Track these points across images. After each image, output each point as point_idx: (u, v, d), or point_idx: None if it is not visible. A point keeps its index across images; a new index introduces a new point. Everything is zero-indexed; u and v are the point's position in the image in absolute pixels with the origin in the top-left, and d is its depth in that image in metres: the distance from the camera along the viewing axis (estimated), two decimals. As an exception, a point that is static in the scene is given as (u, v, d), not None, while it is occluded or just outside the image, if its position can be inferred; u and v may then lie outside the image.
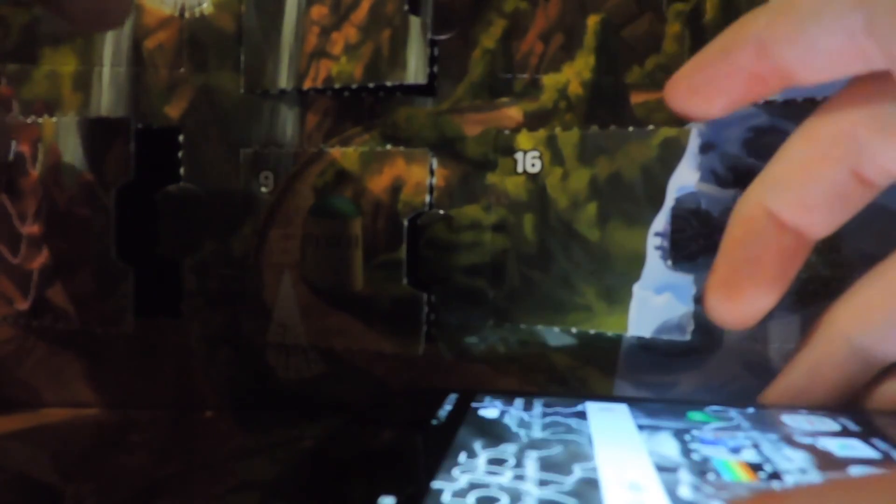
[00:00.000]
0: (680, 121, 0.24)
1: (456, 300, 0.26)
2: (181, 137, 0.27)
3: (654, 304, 0.25)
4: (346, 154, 0.26)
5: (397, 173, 0.26)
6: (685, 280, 0.24)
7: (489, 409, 0.18)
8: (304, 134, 0.27)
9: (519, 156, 0.26)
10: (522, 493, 0.13)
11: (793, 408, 0.18)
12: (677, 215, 0.25)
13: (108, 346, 0.27)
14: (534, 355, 0.26)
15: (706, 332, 0.25)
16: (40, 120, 0.27)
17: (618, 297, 0.25)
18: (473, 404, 0.18)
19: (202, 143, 0.27)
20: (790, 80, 0.17)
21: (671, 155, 0.24)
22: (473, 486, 0.13)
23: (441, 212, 0.26)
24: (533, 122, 0.25)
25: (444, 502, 0.13)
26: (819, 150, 0.18)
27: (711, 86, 0.18)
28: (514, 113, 0.26)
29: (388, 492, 0.13)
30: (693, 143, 0.24)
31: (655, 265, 0.25)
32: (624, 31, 0.25)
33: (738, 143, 0.24)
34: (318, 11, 0.26)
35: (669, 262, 0.25)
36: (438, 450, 0.15)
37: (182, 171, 0.27)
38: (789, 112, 0.24)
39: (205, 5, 0.27)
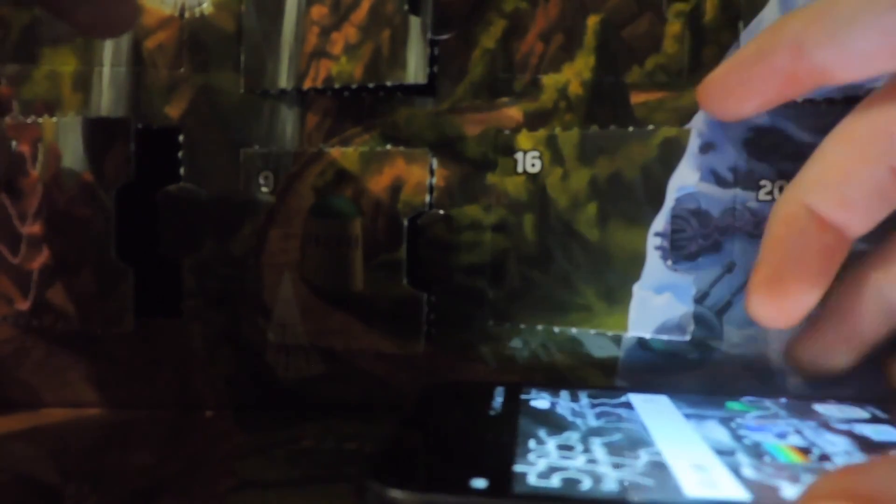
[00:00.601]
0: (680, 121, 0.24)
1: (456, 300, 0.26)
2: (181, 137, 0.27)
3: (654, 304, 0.25)
4: (346, 154, 0.26)
5: (397, 173, 0.26)
6: (685, 280, 0.24)
7: (540, 401, 0.19)
8: (304, 134, 0.27)
9: (519, 156, 0.26)
10: (601, 475, 0.14)
11: (821, 398, 0.19)
12: (677, 215, 0.25)
13: (108, 346, 0.27)
14: (534, 355, 0.26)
15: (706, 332, 0.25)
16: (40, 120, 0.27)
17: (618, 297, 0.25)
18: (523, 396, 0.19)
19: (202, 143, 0.27)
20: (825, 79, 0.18)
21: (671, 155, 0.24)
22: (553, 469, 0.14)
23: (441, 212, 0.26)
24: (533, 122, 0.25)
25: (531, 484, 0.13)
26: (856, 148, 0.18)
27: (746, 87, 0.18)
28: (514, 113, 0.26)
29: (475, 475, 0.13)
30: (693, 143, 0.24)
31: (655, 265, 0.25)
32: (624, 31, 0.25)
33: (738, 143, 0.24)
34: (318, 11, 0.26)
35: (669, 262, 0.25)
36: (505, 437, 0.16)
37: (182, 171, 0.27)
38: (789, 112, 0.24)
39: (205, 5, 0.27)
